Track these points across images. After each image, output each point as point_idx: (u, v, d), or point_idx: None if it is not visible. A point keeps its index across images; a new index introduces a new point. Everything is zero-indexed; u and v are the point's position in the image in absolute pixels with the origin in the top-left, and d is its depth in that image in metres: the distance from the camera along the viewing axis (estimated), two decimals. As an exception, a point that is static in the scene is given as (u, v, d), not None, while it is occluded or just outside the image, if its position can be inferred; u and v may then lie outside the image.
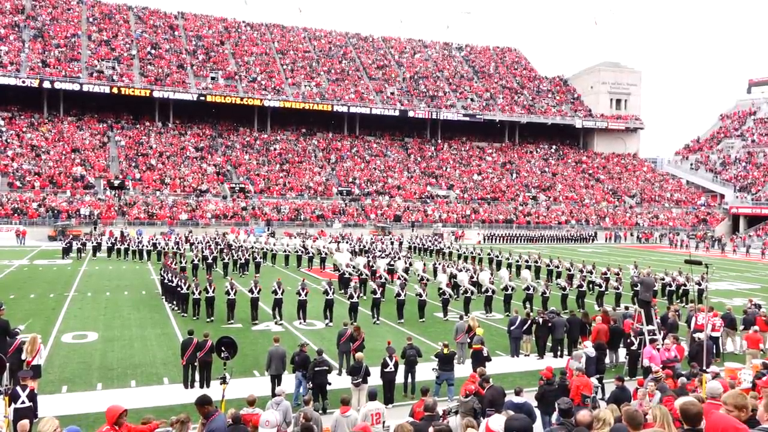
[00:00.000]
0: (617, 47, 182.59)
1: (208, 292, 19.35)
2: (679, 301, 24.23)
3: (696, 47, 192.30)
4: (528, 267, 30.64)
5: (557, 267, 29.24)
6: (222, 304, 19.67)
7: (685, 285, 24.75)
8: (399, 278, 23.18)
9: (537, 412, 9.62)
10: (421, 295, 20.57)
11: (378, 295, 20.11)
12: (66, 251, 35.87)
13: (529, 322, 16.18)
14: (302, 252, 34.74)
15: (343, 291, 23.16)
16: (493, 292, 22.41)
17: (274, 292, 19.30)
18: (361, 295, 21.50)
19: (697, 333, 14.97)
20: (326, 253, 34.95)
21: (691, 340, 15.68)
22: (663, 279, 25.71)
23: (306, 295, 19.45)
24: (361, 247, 39.66)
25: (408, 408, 10.19)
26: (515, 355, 15.96)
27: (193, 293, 20.03)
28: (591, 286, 25.03)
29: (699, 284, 23.54)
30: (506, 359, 15.71)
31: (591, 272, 26.42)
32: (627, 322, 15.57)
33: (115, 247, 36.94)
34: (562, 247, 50.83)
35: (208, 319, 19.17)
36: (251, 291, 19.44)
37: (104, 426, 6.69)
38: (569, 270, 27.92)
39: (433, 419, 7.68)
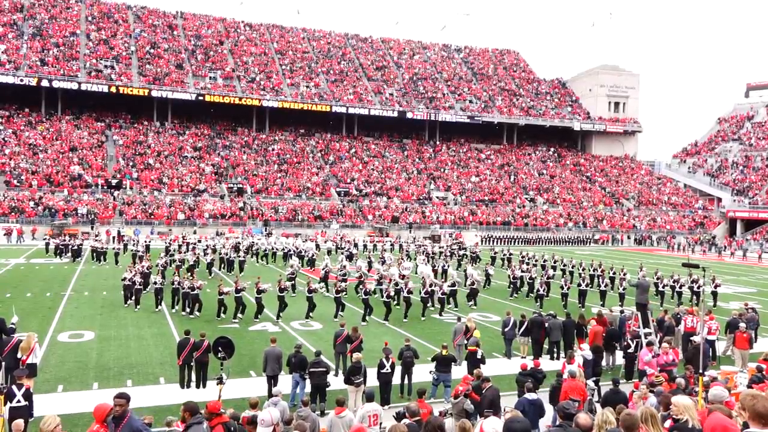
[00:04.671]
0: (616, 50, 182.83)
1: (221, 294, 19.65)
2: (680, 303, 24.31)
3: (694, 51, 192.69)
4: (543, 265, 31.15)
5: (571, 267, 29.96)
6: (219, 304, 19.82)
7: (699, 287, 24.86)
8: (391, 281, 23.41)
9: (549, 408, 9.76)
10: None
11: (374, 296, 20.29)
12: (60, 252, 35.13)
13: (526, 323, 16.18)
14: (298, 252, 35.09)
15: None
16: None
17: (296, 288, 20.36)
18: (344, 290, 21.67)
19: (693, 337, 14.99)
20: (314, 254, 35.23)
21: (684, 342, 15.71)
22: (676, 281, 25.80)
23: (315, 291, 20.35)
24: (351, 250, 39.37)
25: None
26: (509, 357, 15.99)
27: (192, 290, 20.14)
28: (597, 284, 25.35)
29: (716, 287, 24.61)
30: (503, 361, 15.71)
31: (602, 271, 26.93)
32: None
33: (105, 250, 34.68)
34: (560, 250, 50.82)
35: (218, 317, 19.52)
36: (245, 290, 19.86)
37: (94, 425, 6.68)
38: (582, 269, 28.54)
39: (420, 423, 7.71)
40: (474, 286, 23.64)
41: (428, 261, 32.08)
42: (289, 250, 35.83)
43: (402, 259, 31.20)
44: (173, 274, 25.23)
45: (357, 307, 21.52)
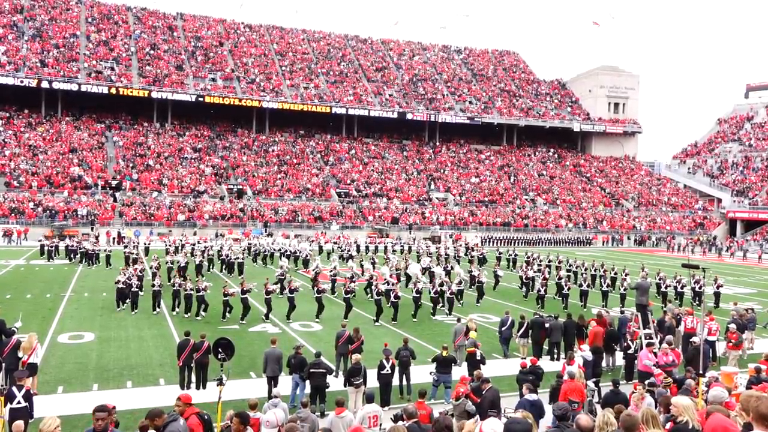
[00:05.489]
0: (616, 51, 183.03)
1: (226, 296, 19.80)
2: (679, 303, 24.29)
3: (694, 52, 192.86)
4: (548, 266, 31.29)
5: (575, 267, 30.05)
6: (219, 305, 19.81)
7: (701, 288, 24.82)
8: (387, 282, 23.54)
9: (550, 408, 9.77)
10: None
11: (379, 297, 20.33)
12: (49, 253, 34.75)
13: (525, 325, 16.17)
14: (298, 253, 35.26)
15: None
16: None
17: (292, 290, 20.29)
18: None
19: (693, 338, 14.97)
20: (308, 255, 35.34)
21: (684, 343, 15.69)
22: (678, 282, 25.77)
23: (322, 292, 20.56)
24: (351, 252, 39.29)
25: (405, 410, 10.16)
26: (506, 356, 16.02)
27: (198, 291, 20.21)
28: (599, 285, 25.42)
29: (719, 288, 24.86)
30: (502, 362, 15.69)
31: (604, 271, 27.15)
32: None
33: (96, 252, 33.65)
34: (560, 251, 50.77)
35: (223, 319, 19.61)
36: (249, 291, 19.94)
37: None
38: (584, 269, 28.61)
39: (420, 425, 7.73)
40: (461, 286, 23.72)
41: (437, 262, 32.13)
42: (286, 251, 35.92)
43: (406, 260, 31.22)
44: (170, 276, 25.28)
45: (360, 310, 21.50)
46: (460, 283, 23.98)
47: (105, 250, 33.89)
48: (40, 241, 37.33)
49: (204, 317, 19.83)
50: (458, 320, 16.28)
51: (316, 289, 20.78)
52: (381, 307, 20.07)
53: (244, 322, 19.30)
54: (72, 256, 34.81)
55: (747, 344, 17.47)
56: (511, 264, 36.33)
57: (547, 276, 25.97)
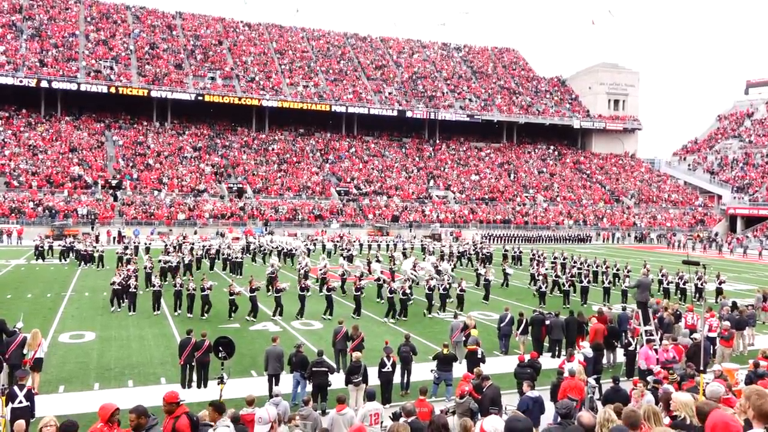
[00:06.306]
0: (615, 48, 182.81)
1: (231, 294, 19.95)
2: (682, 300, 24.27)
3: (694, 48, 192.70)
4: (553, 262, 31.25)
5: (579, 264, 30.15)
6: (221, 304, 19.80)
7: (704, 284, 24.78)
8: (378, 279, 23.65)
9: (551, 405, 9.79)
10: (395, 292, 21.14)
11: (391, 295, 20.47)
12: (40, 254, 34.41)
13: (524, 322, 16.17)
14: (294, 251, 35.46)
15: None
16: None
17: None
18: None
19: (694, 334, 14.97)
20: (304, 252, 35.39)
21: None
22: (681, 278, 25.72)
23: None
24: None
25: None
26: (506, 353, 16.02)
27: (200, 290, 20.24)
28: (601, 282, 25.50)
29: (721, 284, 24.72)
30: (502, 359, 15.68)
31: (606, 268, 27.31)
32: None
33: (90, 253, 33.11)
34: (560, 248, 50.71)
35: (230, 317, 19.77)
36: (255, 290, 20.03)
37: (98, 423, 6.65)
38: (587, 266, 28.67)
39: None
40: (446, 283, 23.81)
41: (449, 260, 32.19)
42: (283, 249, 36.01)
43: (409, 256, 31.25)
44: (165, 276, 25.24)
45: (351, 303, 21.51)
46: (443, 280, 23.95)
47: (98, 250, 33.20)
48: (35, 241, 37.19)
49: (207, 317, 19.81)
50: (455, 316, 16.32)
51: (325, 287, 20.86)
52: (394, 305, 20.11)
53: (252, 319, 19.33)
54: (64, 256, 34.61)
55: (748, 340, 17.51)
56: (515, 261, 36.33)
57: (560, 274, 25.96)
